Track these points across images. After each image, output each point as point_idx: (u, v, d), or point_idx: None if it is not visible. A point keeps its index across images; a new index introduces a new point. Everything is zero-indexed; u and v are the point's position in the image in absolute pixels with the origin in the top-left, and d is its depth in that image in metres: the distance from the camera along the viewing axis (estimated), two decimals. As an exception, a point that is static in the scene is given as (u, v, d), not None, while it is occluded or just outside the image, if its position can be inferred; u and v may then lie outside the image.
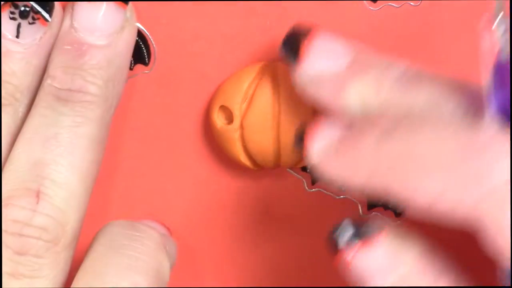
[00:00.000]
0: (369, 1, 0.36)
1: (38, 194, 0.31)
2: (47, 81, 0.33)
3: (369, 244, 0.30)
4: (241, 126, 0.35)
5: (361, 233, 0.30)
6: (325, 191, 0.37)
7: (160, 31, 0.36)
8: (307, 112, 0.35)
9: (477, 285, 0.30)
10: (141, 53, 0.36)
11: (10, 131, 0.33)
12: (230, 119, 0.36)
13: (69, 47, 0.33)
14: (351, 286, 0.38)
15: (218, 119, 0.36)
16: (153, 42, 0.36)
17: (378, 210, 0.38)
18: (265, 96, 0.35)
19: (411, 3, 0.36)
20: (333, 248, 0.30)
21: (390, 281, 0.29)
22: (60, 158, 0.32)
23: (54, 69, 0.33)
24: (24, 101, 0.33)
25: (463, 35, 0.36)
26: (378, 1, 0.36)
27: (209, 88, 0.36)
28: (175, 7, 0.36)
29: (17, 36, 0.32)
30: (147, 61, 0.36)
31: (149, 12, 0.35)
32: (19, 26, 0.32)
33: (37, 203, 0.31)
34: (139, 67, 0.36)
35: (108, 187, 0.37)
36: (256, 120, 0.35)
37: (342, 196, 0.37)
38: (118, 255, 0.32)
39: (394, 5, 0.36)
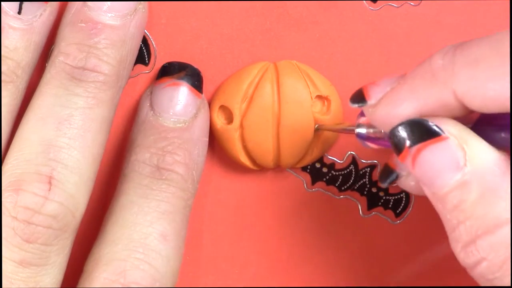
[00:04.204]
0: (369, 1, 0.36)
1: (50, 180, 0.31)
2: (59, 58, 0.32)
3: (438, 139, 0.28)
4: (241, 126, 0.35)
5: (428, 128, 0.28)
6: (325, 191, 0.37)
7: (160, 31, 0.36)
8: (307, 113, 0.35)
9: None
10: (141, 53, 0.36)
11: (10, 109, 0.32)
12: (230, 119, 0.36)
13: (83, 24, 0.32)
14: (351, 286, 0.38)
15: (218, 119, 0.36)
16: (153, 42, 0.36)
17: (378, 210, 0.38)
18: (265, 96, 0.35)
19: (411, 3, 0.36)
20: (398, 145, 0.29)
21: (458, 177, 0.28)
22: (73, 141, 0.31)
23: (67, 46, 0.32)
24: (25, 77, 0.33)
25: (463, 35, 0.36)
26: (378, 1, 0.36)
27: (209, 88, 0.36)
28: (175, 7, 0.36)
29: (19, 13, 0.32)
30: (147, 61, 0.36)
31: (149, 12, 0.35)
32: (21, 3, 0.32)
33: (49, 190, 0.31)
34: (139, 67, 0.36)
35: (108, 186, 0.37)
36: (256, 120, 0.35)
37: (341, 196, 0.37)
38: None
39: (394, 5, 0.36)
